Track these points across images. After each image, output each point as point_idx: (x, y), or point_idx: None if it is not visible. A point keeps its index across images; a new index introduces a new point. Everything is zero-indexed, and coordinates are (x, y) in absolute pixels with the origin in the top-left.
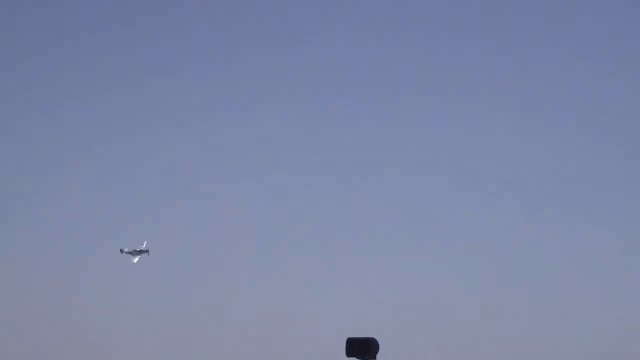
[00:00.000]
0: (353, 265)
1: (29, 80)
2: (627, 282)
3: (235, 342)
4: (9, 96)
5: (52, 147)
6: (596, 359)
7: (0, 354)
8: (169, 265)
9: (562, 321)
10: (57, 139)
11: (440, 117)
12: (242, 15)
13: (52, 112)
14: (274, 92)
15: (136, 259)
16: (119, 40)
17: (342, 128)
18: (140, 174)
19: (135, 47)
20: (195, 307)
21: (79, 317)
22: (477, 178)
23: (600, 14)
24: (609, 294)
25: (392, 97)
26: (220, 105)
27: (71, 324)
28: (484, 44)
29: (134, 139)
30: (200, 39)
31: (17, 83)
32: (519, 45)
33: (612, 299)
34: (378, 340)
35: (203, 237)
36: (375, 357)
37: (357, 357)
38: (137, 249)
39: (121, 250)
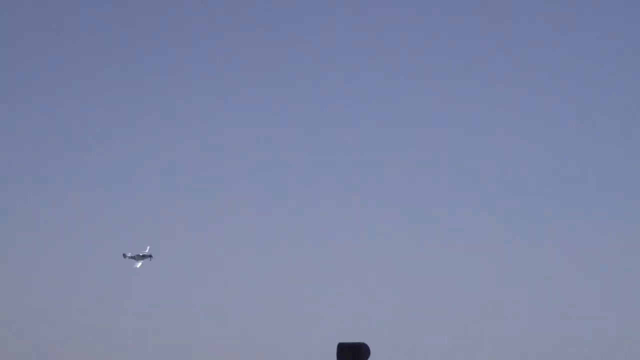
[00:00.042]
0: (353, 265)
1: (29, 80)
2: (627, 282)
3: (235, 343)
4: (9, 96)
5: (52, 147)
6: (596, 359)
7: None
8: (169, 266)
9: (562, 322)
10: (57, 139)
11: (440, 117)
12: (242, 15)
13: (52, 112)
14: (274, 92)
15: (139, 264)
16: (119, 40)
17: (342, 128)
18: (140, 173)
19: (135, 47)
20: (196, 308)
21: (81, 320)
22: (477, 178)
23: (600, 14)
24: (609, 294)
25: (392, 97)
26: (220, 105)
27: (73, 326)
28: (484, 44)
29: (133, 139)
30: (200, 39)
31: (17, 83)
32: (519, 45)
33: (612, 299)
34: (377, 342)
35: (202, 238)
36: None
37: None
38: (140, 254)
39: (124, 255)
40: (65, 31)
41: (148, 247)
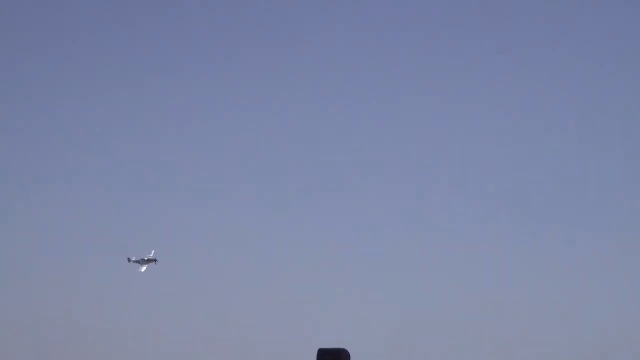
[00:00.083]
0: (353, 265)
1: (29, 80)
2: (627, 282)
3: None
4: (9, 96)
5: (52, 147)
6: None
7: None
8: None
9: (562, 323)
10: (57, 139)
11: (440, 117)
12: (242, 15)
13: (52, 112)
14: (274, 92)
15: (144, 269)
16: (119, 40)
17: (342, 128)
18: (140, 174)
19: (135, 47)
20: (196, 310)
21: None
22: (477, 178)
23: (600, 14)
24: (609, 295)
25: (392, 97)
26: (220, 106)
27: (74, 328)
28: (484, 44)
29: (133, 139)
30: (200, 39)
31: (17, 83)
32: (519, 45)
33: (612, 300)
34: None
35: (202, 238)
36: None
37: None
38: (145, 258)
39: (129, 260)
40: (65, 31)
41: (153, 252)
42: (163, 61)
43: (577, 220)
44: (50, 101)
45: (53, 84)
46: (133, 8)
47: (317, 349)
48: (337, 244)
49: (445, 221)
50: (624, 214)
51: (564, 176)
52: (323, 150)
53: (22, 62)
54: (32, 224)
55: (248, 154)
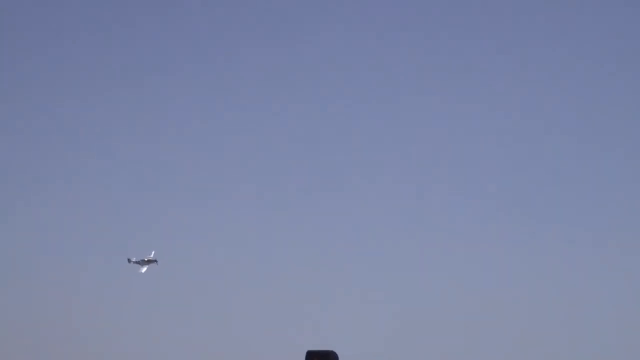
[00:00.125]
0: (353, 265)
1: (29, 80)
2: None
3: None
4: (9, 96)
5: (52, 147)
6: None
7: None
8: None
9: (562, 324)
10: (57, 139)
11: (440, 117)
12: (242, 15)
13: (52, 112)
14: (274, 92)
15: (144, 269)
16: (119, 40)
17: (342, 128)
18: (140, 174)
19: (135, 47)
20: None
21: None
22: (477, 178)
23: (600, 14)
24: (608, 296)
25: (392, 97)
26: (220, 106)
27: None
28: (484, 44)
29: (133, 139)
30: (200, 39)
31: (17, 83)
32: (519, 45)
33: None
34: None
35: (202, 238)
36: None
37: None
38: (145, 259)
39: (129, 260)
40: (65, 31)
41: (153, 252)
42: (163, 61)
43: (577, 220)
44: (50, 101)
45: (53, 84)
46: (133, 8)
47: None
48: (337, 243)
49: (446, 221)
50: (624, 214)
51: (564, 176)
52: (323, 150)
53: (22, 62)
54: (32, 224)
55: (248, 154)
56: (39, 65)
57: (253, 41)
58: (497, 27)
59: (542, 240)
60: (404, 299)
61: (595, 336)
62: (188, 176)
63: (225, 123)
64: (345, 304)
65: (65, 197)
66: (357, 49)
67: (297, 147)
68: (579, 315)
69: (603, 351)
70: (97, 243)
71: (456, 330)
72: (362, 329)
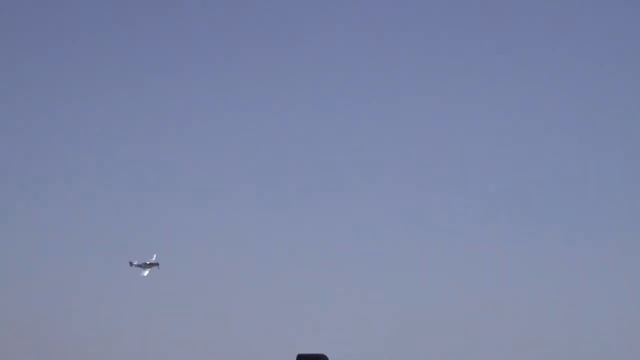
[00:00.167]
0: (353, 265)
1: (29, 80)
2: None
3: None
4: (9, 96)
5: (53, 148)
6: None
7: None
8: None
9: (562, 324)
10: (57, 139)
11: (440, 117)
12: (242, 15)
13: (52, 112)
14: (274, 92)
15: (146, 272)
16: (119, 40)
17: (342, 128)
18: (140, 174)
19: (135, 47)
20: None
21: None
22: (477, 178)
23: (600, 14)
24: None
25: (392, 97)
26: (220, 106)
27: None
28: (484, 44)
29: (133, 139)
30: (200, 39)
31: (17, 83)
32: (519, 45)
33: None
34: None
35: (201, 239)
36: None
37: None
38: (147, 262)
39: (130, 263)
40: (65, 31)
41: (154, 255)
42: (163, 61)
43: (577, 220)
44: (50, 101)
45: (53, 84)
46: (133, 8)
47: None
48: (337, 243)
49: (445, 221)
50: (624, 214)
51: (564, 176)
52: (323, 150)
53: (22, 62)
54: (33, 224)
55: (248, 154)
56: (39, 65)
57: (253, 41)
58: (497, 27)
59: (542, 240)
60: (403, 299)
61: (595, 336)
62: (188, 176)
63: (225, 123)
64: (344, 304)
65: (65, 198)
66: (357, 49)
67: (297, 147)
68: (579, 315)
69: (603, 351)
70: (97, 244)
71: (456, 330)
72: (362, 329)
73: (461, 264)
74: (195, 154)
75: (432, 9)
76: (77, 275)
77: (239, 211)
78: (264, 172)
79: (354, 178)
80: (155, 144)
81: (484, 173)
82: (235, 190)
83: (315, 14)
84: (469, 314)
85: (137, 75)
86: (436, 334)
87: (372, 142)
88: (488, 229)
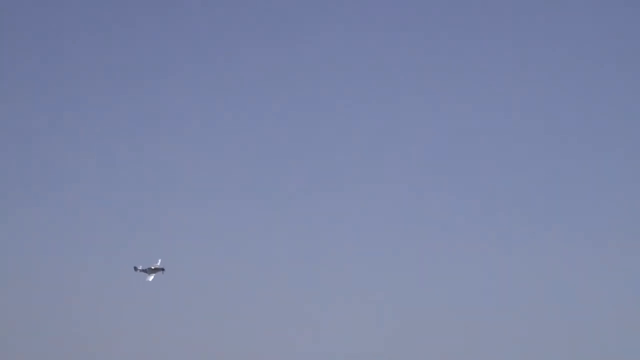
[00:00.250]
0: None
1: (29, 80)
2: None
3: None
4: (9, 96)
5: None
6: None
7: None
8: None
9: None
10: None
11: (441, 117)
12: (242, 15)
13: (52, 112)
14: (274, 92)
15: (151, 277)
16: (119, 40)
17: (342, 128)
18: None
19: (135, 47)
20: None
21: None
22: (476, 178)
23: (600, 14)
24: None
25: (392, 97)
26: (220, 106)
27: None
28: (484, 44)
29: (133, 139)
30: (200, 39)
31: (17, 83)
32: (519, 45)
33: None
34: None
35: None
36: None
37: None
38: (152, 267)
39: (135, 268)
40: (65, 31)
41: (159, 260)
42: (163, 61)
43: (577, 221)
44: (51, 101)
45: (53, 84)
46: (133, 8)
47: None
48: (337, 244)
49: (445, 221)
50: (624, 214)
51: (564, 176)
52: (323, 150)
53: (22, 62)
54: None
55: (248, 155)
56: (39, 65)
57: (253, 41)
58: (497, 27)
59: (542, 240)
60: (403, 299)
61: (594, 337)
62: (188, 176)
63: (225, 123)
64: (344, 305)
65: (65, 199)
66: (357, 49)
67: (298, 148)
68: (579, 316)
69: (603, 351)
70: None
71: (456, 330)
72: (362, 330)
73: (461, 265)
74: (195, 154)
75: (432, 9)
76: (79, 276)
77: (239, 211)
78: (264, 172)
79: (353, 178)
80: (156, 144)
81: (483, 173)
82: (235, 191)
83: (315, 14)
84: (469, 315)
85: (137, 75)
86: (436, 334)
87: (372, 142)
88: (488, 229)
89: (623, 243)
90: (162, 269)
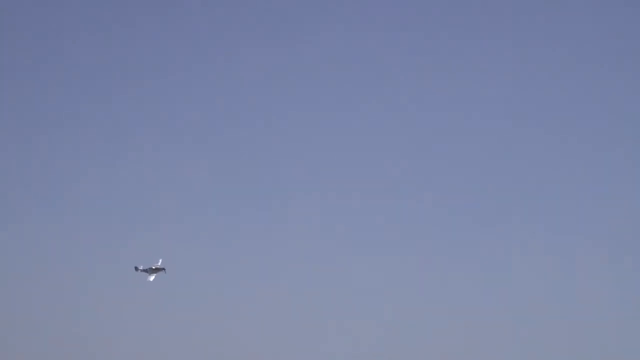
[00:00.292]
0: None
1: (29, 80)
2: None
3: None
4: (9, 96)
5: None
6: None
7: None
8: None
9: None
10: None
11: (440, 117)
12: (242, 15)
13: (52, 112)
14: (274, 92)
15: (152, 277)
16: (119, 40)
17: (342, 128)
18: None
19: (135, 47)
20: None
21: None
22: (476, 178)
23: (601, 14)
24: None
25: (392, 97)
26: (220, 105)
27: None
28: (484, 44)
29: (132, 139)
30: (200, 39)
31: (17, 83)
32: (519, 45)
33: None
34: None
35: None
36: None
37: None
38: (153, 267)
39: (136, 268)
40: (65, 31)
41: (160, 260)
42: (163, 61)
43: (577, 221)
44: (50, 101)
45: (53, 83)
46: (133, 8)
47: None
48: (337, 244)
49: (446, 221)
50: (624, 214)
51: (564, 176)
52: (323, 151)
53: (22, 62)
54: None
55: (248, 154)
56: (39, 65)
57: (253, 41)
58: (497, 27)
59: (542, 240)
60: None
61: (595, 337)
62: (189, 176)
63: (226, 123)
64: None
65: (65, 199)
66: (357, 49)
67: (298, 148)
68: (579, 316)
69: (603, 351)
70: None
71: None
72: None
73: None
74: (196, 154)
75: (432, 9)
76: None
77: (239, 211)
78: (264, 172)
79: (353, 178)
80: (155, 143)
81: (483, 173)
82: (236, 191)
83: (315, 14)
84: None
85: (137, 75)
86: (436, 334)
87: (372, 141)
88: (488, 229)
89: (623, 243)
90: (163, 269)
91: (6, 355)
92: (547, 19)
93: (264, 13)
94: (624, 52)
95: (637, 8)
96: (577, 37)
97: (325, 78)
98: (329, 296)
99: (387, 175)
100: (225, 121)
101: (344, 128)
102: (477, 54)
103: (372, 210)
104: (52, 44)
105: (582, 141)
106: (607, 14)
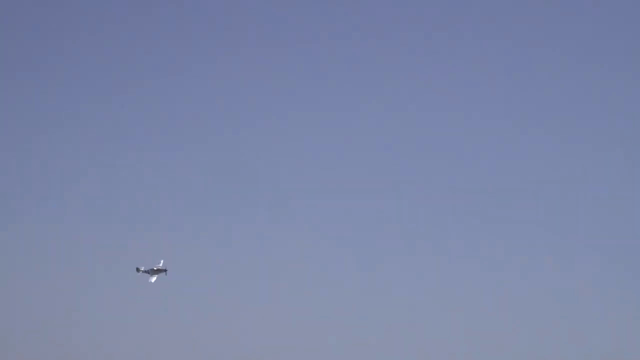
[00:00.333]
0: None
1: (29, 81)
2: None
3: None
4: (9, 96)
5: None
6: None
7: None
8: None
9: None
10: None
11: (440, 117)
12: (242, 15)
13: (52, 112)
14: (274, 92)
15: (154, 279)
16: (119, 40)
17: (342, 128)
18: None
19: (135, 47)
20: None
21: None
22: (476, 178)
23: (601, 14)
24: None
25: (392, 97)
26: (220, 105)
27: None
28: (484, 44)
29: (132, 139)
30: (200, 39)
31: (17, 83)
32: (519, 45)
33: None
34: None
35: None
36: None
37: None
38: (155, 268)
39: (137, 269)
40: (65, 31)
41: (162, 261)
42: (163, 61)
43: (577, 221)
44: (50, 101)
45: (53, 83)
46: (133, 8)
47: None
48: (337, 244)
49: (445, 221)
50: (624, 214)
51: (564, 176)
52: (324, 150)
53: (22, 62)
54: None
55: (249, 154)
56: (39, 65)
57: (253, 41)
58: (498, 27)
59: (541, 240)
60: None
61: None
62: (190, 177)
63: (226, 123)
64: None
65: (66, 199)
66: (357, 49)
67: (298, 149)
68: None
69: (604, 351)
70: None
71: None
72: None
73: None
74: (196, 155)
75: (432, 9)
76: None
77: (240, 212)
78: (264, 172)
79: (353, 179)
80: (155, 144)
81: (483, 173)
82: (236, 191)
83: (315, 14)
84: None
85: (137, 75)
86: (437, 334)
87: (372, 141)
88: (488, 229)
89: (623, 243)
90: (165, 270)
91: (6, 355)
92: (547, 19)
93: (264, 13)
94: (624, 52)
95: (637, 8)
96: (577, 37)
97: (325, 78)
98: (329, 296)
99: (387, 175)
100: (225, 121)
101: (344, 128)
102: (477, 54)
103: (372, 210)
104: (52, 44)
105: (582, 141)
106: (607, 14)
